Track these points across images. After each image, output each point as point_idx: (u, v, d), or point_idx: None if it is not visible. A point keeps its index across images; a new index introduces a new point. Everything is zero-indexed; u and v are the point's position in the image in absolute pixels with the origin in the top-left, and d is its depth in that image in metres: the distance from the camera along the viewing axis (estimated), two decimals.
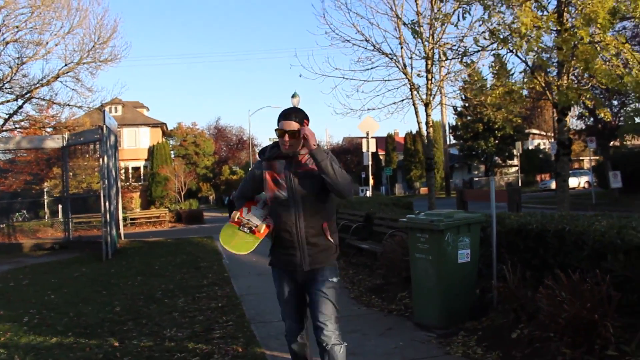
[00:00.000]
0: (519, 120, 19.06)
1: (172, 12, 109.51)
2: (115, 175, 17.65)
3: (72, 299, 10.11)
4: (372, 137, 19.60)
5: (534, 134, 50.27)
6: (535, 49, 9.35)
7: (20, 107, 21.38)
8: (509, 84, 11.27)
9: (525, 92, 13.55)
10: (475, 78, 18.12)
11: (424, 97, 14.00)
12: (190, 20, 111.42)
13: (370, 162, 19.76)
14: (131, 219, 28.63)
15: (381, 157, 49.32)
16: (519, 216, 6.77)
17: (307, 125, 3.32)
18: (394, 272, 7.73)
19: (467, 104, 16.29)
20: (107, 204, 15.68)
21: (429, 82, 13.71)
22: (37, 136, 20.93)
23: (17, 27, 20.04)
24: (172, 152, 43.02)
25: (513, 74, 15.57)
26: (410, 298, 6.80)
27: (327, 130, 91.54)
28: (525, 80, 10.86)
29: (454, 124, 47.62)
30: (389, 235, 8.68)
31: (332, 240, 3.51)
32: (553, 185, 36.68)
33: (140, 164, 41.26)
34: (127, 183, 37.19)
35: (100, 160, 15.93)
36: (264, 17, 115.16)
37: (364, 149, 19.88)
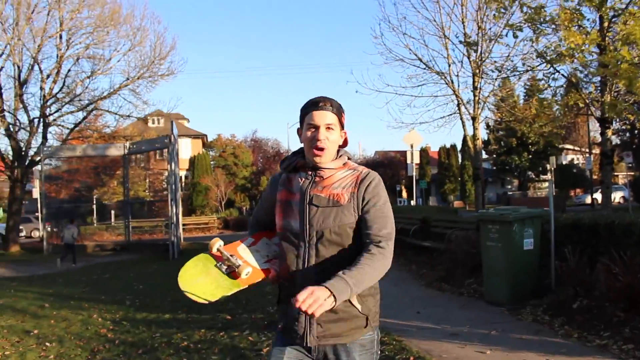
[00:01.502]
0: (560, 131, 20.03)
1: (215, 25, 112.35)
2: (177, 182, 19.16)
3: (160, 288, 11.54)
4: (416, 150, 20.87)
5: (568, 149, 50.90)
6: (581, 68, 10.58)
7: (85, 117, 23.14)
8: (544, 102, 12.43)
9: (556, 108, 14.66)
10: (510, 94, 19.23)
11: (471, 111, 15.24)
12: (231, 34, 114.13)
13: (414, 173, 20.97)
14: (183, 224, 30.29)
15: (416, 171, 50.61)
16: (571, 214, 8.00)
17: (344, 121, 2.28)
18: (458, 263, 8.98)
19: (500, 119, 17.34)
20: (173, 208, 17.19)
21: (476, 97, 14.96)
22: (101, 144, 22.69)
23: (87, 46, 21.87)
24: (212, 162, 44.85)
25: (545, 89, 16.67)
26: (477, 284, 8.06)
27: (360, 143, 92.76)
28: (565, 96, 12.03)
29: (486, 138, 48.57)
30: (450, 234, 9.94)
31: (359, 306, 2.17)
32: (588, 199, 37.40)
33: (182, 173, 43.19)
34: (164, 192, 38.94)
35: (168, 166, 17.50)
36: (297, 31, 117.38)
37: (409, 161, 21.16)
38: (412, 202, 24.67)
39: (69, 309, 9.53)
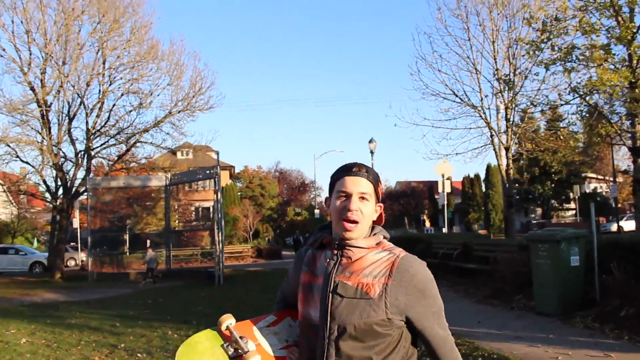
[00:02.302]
0: (587, 159, 20.82)
1: (243, 57, 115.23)
2: (222, 211, 20.17)
3: (219, 309, 12.44)
4: (447, 180, 21.80)
5: (591, 177, 51.44)
6: (608, 101, 11.53)
7: (128, 150, 24.46)
8: (576, 133, 13.34)
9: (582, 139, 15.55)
10: (537, 126, 20.16)
11: (504, 142, 16.19)
12: (261, 67, 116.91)
13: (445, 202, 21.86)
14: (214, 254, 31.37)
15: (438, 200, 51.45)
16: (611, 235, 8.86)
17: (381, 192, 1.95)
18: (506, 281, 9.85)
19: (532, 149, 18.19)
20: (219, 236, 18.20)
21: (509, 129, 15.93)
22: (143, 175, 23.89)
23: (128, 80, 23.29)
24: (239, 193, 46.12)
25: (578, 120, 17.54)
26: (525, 299, 8.93)
27: (382, 175, 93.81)
28: (595, 127, 12.92)
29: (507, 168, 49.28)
30: (495, 255, 10.83)
31: None
32: (613, 227, 37.84)
33: (210, 204, 44.41)
34: (199, 222, 40.21)
35: (215, 196, 18.53)
36: (327, 65, 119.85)
37: (440, 190, 22.07)
38: (444, 230, 25.47)
39: (141, 327, 10.44)
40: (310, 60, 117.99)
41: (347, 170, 1.88)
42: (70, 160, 23.70)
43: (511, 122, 15.90)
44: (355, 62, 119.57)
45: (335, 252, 1.85)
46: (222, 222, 18.92)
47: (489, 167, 46.57)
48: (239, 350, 1.86)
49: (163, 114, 23.96)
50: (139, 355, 7.87)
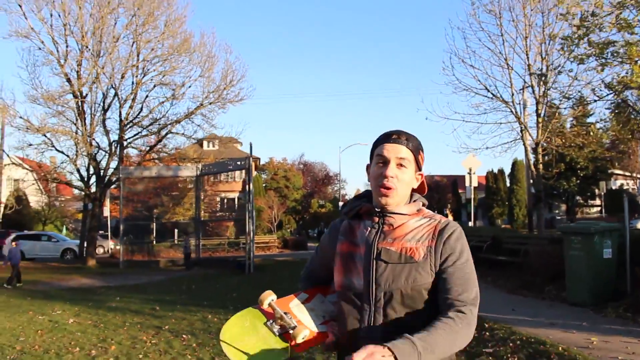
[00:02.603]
0: (616, 155, 20.86)
1: (270, 49, 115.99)
2: (253, 202, 20.65)
3: (254, 296, 12.88)
4: (473, 174, 21.98)
5: (617, 174, 51.00)
6: None
7: (160, 140, 25.07)
8: (596, 130, 13.48)
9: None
10: (564, 121, 20.22)
11: (534, 137, 16.37)
12: (287, 59, 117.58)
13: (472, 196, 22.05)
14: (242, 244, 31.92)
15: (461, 195, 51.48)
16: None
17: (422, 161, 1.94)
18: (537, 273, 10.14)
19: (561, 144, 18.25)
20: (250, 225, 18.67)
21: (540, 125, 16.10)
22: (176, 166, 24.50)
23: (161, 72, 23.83)
24: (264, 185, 46.69)
25: (592, 113, 17.50)
26: (556, 290, 9.23)
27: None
28: (627, 122, 13.07)
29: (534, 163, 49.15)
30: (526, 248, 11.12)
31: None
32: (639, 225, 37.62)
33: (235, 195, 45.17)
34: (224, 213, 40.92)
35: (247, 187, 19.02)
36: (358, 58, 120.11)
37: (467, 184, 22.26)
38: (470, 224, 25.68)
39: (180, 311, 10.92)
40: (339, 53, 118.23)
41: (386, 137, 1.88)
42: (104, 150, 24.38)
43: (542, 117, 16.05)
44: (383, 56, 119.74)
45: (377, 219, 1.86)
46: (253, 212, 19.36)
47: (514, 163, 46.47)
48: (286, 327, 1.83)
49: (194, 105, 24.49)
50: (184, 336, 8.33)
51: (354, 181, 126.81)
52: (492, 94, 16.11)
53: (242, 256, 22.69)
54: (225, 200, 44.36)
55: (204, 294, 13.96)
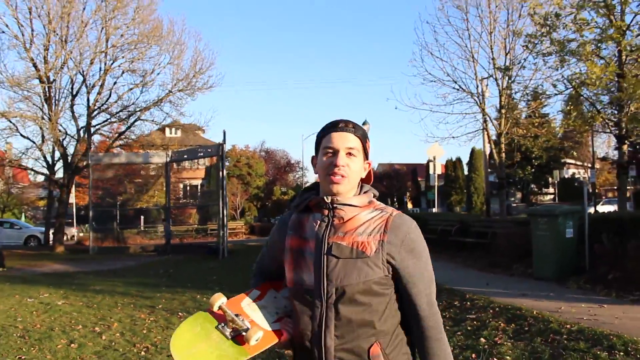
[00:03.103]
0: (570, 144, 22.15)
1: (234, 38, 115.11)
2: (225, 188, 21.11)
3: (234, 277, 13.49)
4: (437, 162, 23.04)
5: (570, 163, 53.35)
6: (603, 92, 12.78)
7: (128, 127, 25.19)
8: (569, 120, 14.59)
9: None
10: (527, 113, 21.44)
11: (497, 128, 17.43)
12: (252, 47, 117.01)
13: (436, 183, 23.12)
14: (210, 229, 32.23)
15: (421, 183, 53.01)
16: (599, 213, 10.16)
17: (369, 149, 1.91)
18: (504, 253, 11.14)
19: (516, 135, 19.41)
20: (223, 211, 19.19)
21: (503, 116, 17.15)
22: (145, 152, 24.72)
23: (130, 60, 23.96)
24: (227, 172, 46.92)
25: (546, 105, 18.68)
26: (523, 267, 10.22)
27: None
28: (584, 114, 14.20)
29: (489, 153, 50.96)
30: (493, 231, 12.12)
31: None
32: (590, 211, 39.54)
33: (198, 182, 45.38)
34: (187, 200, 41.10)
35: (220, 173, 19.48)
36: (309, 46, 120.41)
37: (431, 172, 23.33)
38: (435, 210, 26.83)
39: (168, 292, 11.37)
40: (305, 43, 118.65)
41: (333, 126, 1.83)
42: (72, 137, 24.40)
43: (504, 108, 17.10)
44: (350, 47, 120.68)
45: (326, 212, 1.79)
46: (226, 198, 19.88)
47: (473, 151, 47.99)
48: (238, 329, 1.78)
49: (163, 93, 24.72)
50: (179, 314, 8.83)
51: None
52: (459, 85, 17.10)
53: (212, 242, 23.19)
54: (189, 187, 44.52)
55: (183, 277, 14.39)
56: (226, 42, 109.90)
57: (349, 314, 1.71)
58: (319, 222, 1.80)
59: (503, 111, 17.08)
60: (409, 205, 50.83)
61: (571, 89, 13.06)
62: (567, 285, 8.68)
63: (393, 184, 51.01)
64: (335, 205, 1.77)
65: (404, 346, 1.82)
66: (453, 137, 18.09)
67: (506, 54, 16.96)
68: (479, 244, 12.80)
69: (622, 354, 4.89)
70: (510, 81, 16.60)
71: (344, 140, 1.79)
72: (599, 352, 4.94)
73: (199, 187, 45.35)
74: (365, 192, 1.84)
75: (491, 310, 6.88)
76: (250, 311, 1.89)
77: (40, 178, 36.75)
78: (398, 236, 1.73)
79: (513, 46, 16.73)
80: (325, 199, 1.78)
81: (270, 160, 50.67)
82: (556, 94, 13.86)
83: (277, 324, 1.89)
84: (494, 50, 17.39)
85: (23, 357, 6.42)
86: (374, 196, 1.87)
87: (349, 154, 1.78)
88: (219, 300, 1.83)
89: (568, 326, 5.90)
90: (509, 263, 10.87)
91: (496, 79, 16.98)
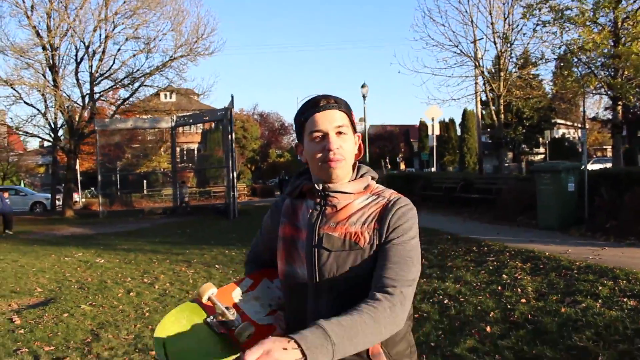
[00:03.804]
0: (565, 106, 23.14)
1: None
2: (234, 151, 21.91)
3: (252, 234, 14.42)
4: (437, 124, 23.97)
5: (560, 124, 54.52)
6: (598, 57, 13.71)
7: (132, 93, 25.75)
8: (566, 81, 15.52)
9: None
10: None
11: (495, 89, 18.33)
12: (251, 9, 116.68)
13: (435, 144, 24.08)
14: (213, 192, 33.11)
15: (414, 144, 54.20)
16: (598, 168, 11.20)
17: (355, 121, 1.74)
18: (509, 206, 12.19)
19: (514, 96, 20.33)
20: (233, 173, 20.06)
21: (502, 78, 18.04)
22: (152, 117, 25.38)
23: (132, 26, 24.40)
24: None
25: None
26: (527, 219, 11.31)
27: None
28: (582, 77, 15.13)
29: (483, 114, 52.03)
30: (498, 186, 13.17)
31: None
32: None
33: (194, 146, 46.08)
34: (185, 164, 41.86)
35: (229, 137, 20.25)
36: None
37: (430, 132, 24.28)
38: (433, 169, 27.87)
39: (195, 249, 12.19)
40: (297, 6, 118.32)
41: (314, 106, 1.64)
42: (76, 103, 24.96)
43: (503, 72, 17.98)
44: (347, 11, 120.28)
45: (319, 200, 1.67)
46: (235, 160, 20.71)
47: (465, 112, 48.94)
48: (228, 324, 1.63)
49: (165, 59, 25.24)
50: (216, 266, 9.65)
51: None
52: (459, 49, 17.91)
53: (219, 203, 24.11)
54: (186, 152, 45.19)
55: (202, 236, 15.22)
56: (223, 6, 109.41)
57: (343, 308, 1.48)
58: (311, 210, 1.67)
59: (502, 74, 17.93)
60: (402, 166, 51.93)
61: (569, 54, 13.96)
62: (569, 233, 9.74)
63: (386, 145, 52.00)
64: (327, 193, 1.64)
65: (407, 339, 1.67)
66: (454, 100, 19.02)
67: (505, 19, 17.74)
68: (483, 200, 13.86)
69: (624, 281, 5.93)
70: (509, 47, 17.44)
71: (330, 120, 1.61)
72: (605, 282, 5.98)
73: (196, 151, 46.01)
74: (361, 176, 1.70)
75: (507, 253, 7.91)
76: (241, 302, 1.76)
77: (35, 145, 37.27)
78: (389, 218, 1.60)
79: (511, 10, 17.49)
80: (317, 186, 1.64)
81: (265, 124, 51.38)
82: (555, 59, 14.75)
83: (269, 317, 1.76)
84: (493, 15, 18.15)
85: (93, 303, 7.29)
86: (373, 179, 1.72)
87: (339, 132, 1.62)
88: (209, 290, 1.65)
89: (577, 263, 6.95)
90: (513, 216, 11.93)
91: (495, 43, 17.80)
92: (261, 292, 1.83)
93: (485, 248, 8.53)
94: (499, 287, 6.19)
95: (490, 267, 7.20)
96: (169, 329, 1.63)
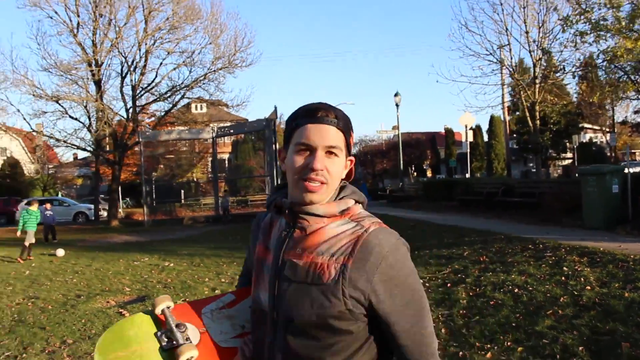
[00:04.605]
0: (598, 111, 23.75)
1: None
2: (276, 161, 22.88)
3: None
4: (469, 130, 24.74)
5: (587, 128, 54.76)
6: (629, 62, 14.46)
7: (173, 105, 26.93)
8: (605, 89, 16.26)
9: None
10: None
11: (531, 96, 19.10)
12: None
13: (468, 150, 24.82)
14: (251, 201, 34.18)
15: (440, 151, 54.86)
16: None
17: (352, 143, 1.53)
18: (554, 209, 12.96)
19: (549, 102, 21.05)
20: (275, 182, 21.02)
21: (536, 85, 18.81)
22: (194, 129, 26.54)
23: (175, 40, 25.63)
24: (255, 146, 48.77)
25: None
26: (572, 219, 12.07)
27: (382, 124, 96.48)
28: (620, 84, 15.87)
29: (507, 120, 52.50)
30: (541, 190, 13.97)
31: None
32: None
33: (225, 156, 47.30)
34: (218, 174, 43.25)
35: (272, 146, 21.22)
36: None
37: (463, 139, 25.08)
38: (467, 175, 28.64)
39: None
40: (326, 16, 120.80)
41: (309, 115, 1.43)
42: (121, 116, 26.21)
43: (539, 79, 18.75)
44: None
45: (289, 221, 1.48)
46: (279, 169, 21.66)
47: (492, 119, 49.45)
48: (175, 343, 1.52)
49: (204, 72, 26.40)
50: None
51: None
52: (495, 58, 18.73)
53: (260, 211, 24.93)
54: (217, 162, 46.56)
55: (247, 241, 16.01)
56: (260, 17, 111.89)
57: (298, 349, 1.40)
58: (282, 231, 1.50)
59: (536, 81, 18.69)
60: (429, 174, 52.59)
61: (605, 62, 14.74)
62: (616, 232, 10.50)
63: (413, 152, 52.71)
64: (296, 212, 1.45)
65: None
66: (490, 107, 19.79)
67: (539, 27, 18.54)
68: (525, 203, 14.63)
69: None
70: (544, 55, 18.21)
71: (323, 136, 1.41)
72: None
73: (227, 161, 47.17)
74: (341, 199, 1.48)
75: (563, 250, 8.69)
76: (208, 320, 1.64)
77: (69, 157, 38.63)
78: (369, 261, 1.36)
79: (546, 19, 18.31)
80: (284, 203, 1.48)
81: None
82: (597, 66, 15.48)
83: (237, 340, 1.63)
84: (527, 23, 18.94)
85: (186, 299, 8.10)
86: (358, 202, 1.52)
87: (330, 152, 1.43)
88: (163, 303, 1.59)
89: (632, 256, 7.72)
90: (558, 217, 12.69)
91: (530, 51, 18.60)
92: (238, 311, 1.69)
93: (541, 245, 9.31)
94: (563, 278, 7.00)
95: (550, 262, 7.99)
96: (114, 337, 1.55)
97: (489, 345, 5.07)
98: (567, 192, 12.70)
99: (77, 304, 8.38)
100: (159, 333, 1.56)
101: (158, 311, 1.59)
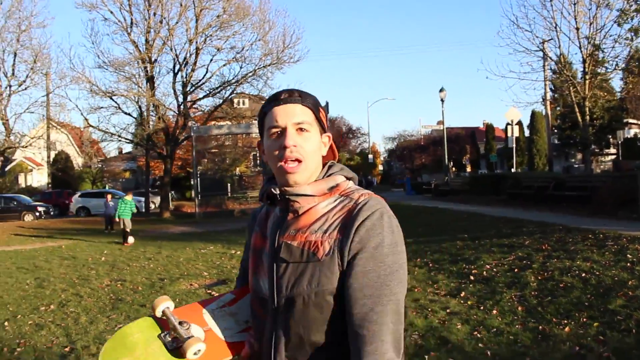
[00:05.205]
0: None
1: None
2: None
3: None
4: (515, 125, 25.02)
5: (632, 123, 54.09)
6: None
7: (224, 101, 27.82)
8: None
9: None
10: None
11: (580, 92, 19.40)
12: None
13: (514, 145, 25.16)
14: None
15: (480, 146, 55.00)
16: None
17: (325, 120, 1.55)
18: (609, 202, 13.36)
19: (600, 98, 21.26)
20: None
21: (586, 81, 19.09)
22: (244, 123, 27.40)
23: (224, 37, 26.46)
24: None
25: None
26: (627, 212, 12.47)
27: (420, 120, 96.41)
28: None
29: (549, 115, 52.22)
30: (593, 184, 14.38)
31: None
32: None
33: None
34: (258, 168, 44.10)
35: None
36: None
37: (509, 134, 25.39)
38: (512, 170, 28.97)
39: None
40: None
41: (274, 99, 1.49)
42: (173, 111, 27.21)
43: (589, 74, 19.03)
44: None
45: (282, 206, 1.51)
46: None
47: (533, 114, 49.34)
48: (180, 341, 1.52)
49: (253, 68, 27.19)
50: None
51: (374, 135, 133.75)
52: (544, 53, 19.06)
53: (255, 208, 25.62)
54: (258, 156, 47.57)
55: None
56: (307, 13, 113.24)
57: (300, 332, 1.43)
58: (277, 217, 1.53)
59: (587, 77, 18.97)
60: (468, 169, 52.74)
61: None
62: None
63: (453, 147, 52.96)
64: (286, 196, 1.47)
65: None
66: (542, 101, 20.11)
67: (590, 23, 18.80)
68: (577, 197, 15.03)
69: None
70: (595, 49, 18.47)
71: (289, 114, 1.45)
72: None
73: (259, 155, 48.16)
74: (329, 175, 1.52)
75: (624, 239, 9.15)
76: (210, 318, 1.66)
77: (112, 151, 39.92)
78: (351, 226, 1.39)
79: (597, 15, 18.56)
80: (273, 190, 1.50)
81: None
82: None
83: (242, 334, 1.66)
84: (577, 20, 19.22)
85: None
86: (348, 178, 1.55)
87: (300, 129, 1.46)
88: (162, 304, 1.60)
89: None
90: (612, 211, 13.07)
91: (580, 47, 18.89)
92: (240, 308, 1.71)
93: (601, 235, 9.77)
94: (628, 264, 7.50)
95: (613, 250, 8.48)
96: (117, 344, 1.55)
97: (565, 321, 5.62)
98: (620, 186, 13.06)
99: (164, 285, 9.14)
100: (162, 334, 1.56)
101: (159, 312, 1.59)
